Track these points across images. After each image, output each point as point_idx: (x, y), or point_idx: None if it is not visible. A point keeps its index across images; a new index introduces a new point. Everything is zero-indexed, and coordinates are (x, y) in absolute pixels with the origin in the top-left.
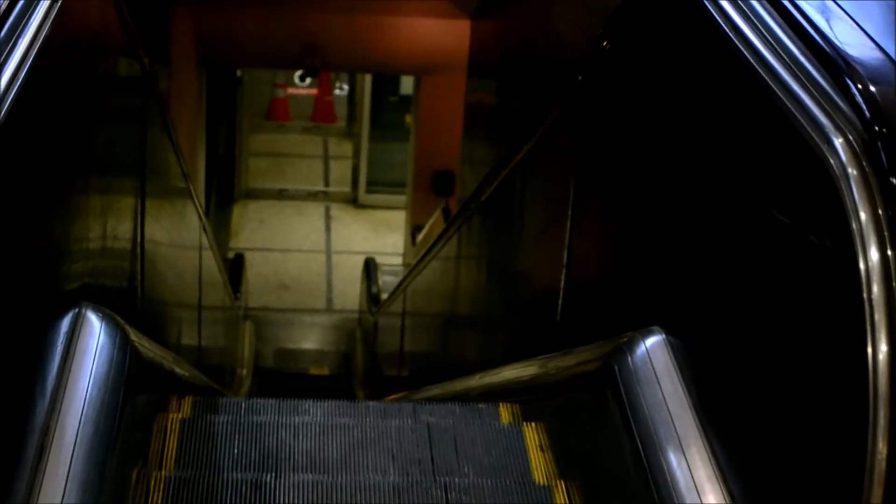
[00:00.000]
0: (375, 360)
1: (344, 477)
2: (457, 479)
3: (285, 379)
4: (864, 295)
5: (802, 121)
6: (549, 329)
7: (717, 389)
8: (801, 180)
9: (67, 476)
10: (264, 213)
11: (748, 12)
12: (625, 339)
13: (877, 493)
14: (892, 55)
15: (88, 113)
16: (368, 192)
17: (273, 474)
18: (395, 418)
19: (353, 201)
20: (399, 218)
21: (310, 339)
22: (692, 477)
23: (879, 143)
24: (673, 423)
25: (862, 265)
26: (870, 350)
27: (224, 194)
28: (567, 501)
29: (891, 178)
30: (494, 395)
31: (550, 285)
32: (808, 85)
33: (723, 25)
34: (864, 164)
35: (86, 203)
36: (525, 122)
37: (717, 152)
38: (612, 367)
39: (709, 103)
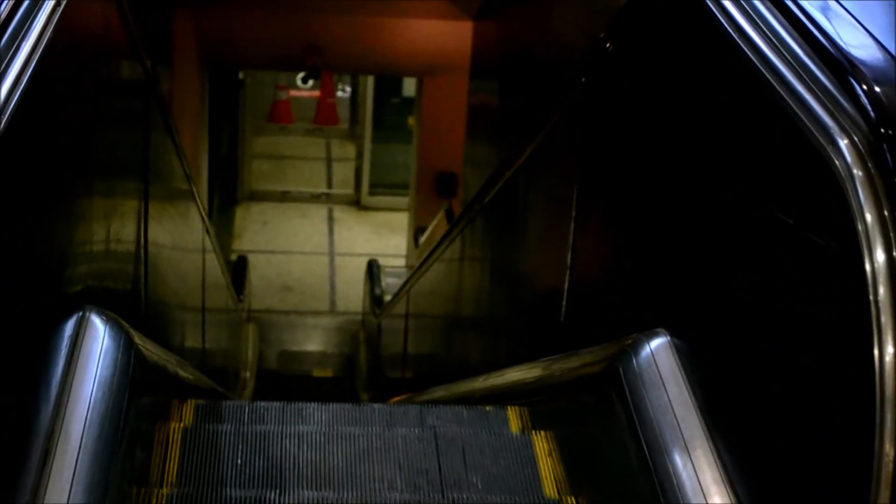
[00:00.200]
0: (379, 361)
1: (350, 493)
2: (465, 495)
3: (289, 381)
4: (870, 297)
5: (807, 122)
6: (553, 331)
7: (722, 392)
8: (806, 182)
9: (72, 480)
10: (267, 215)
11: (751, 13)
12: (629, 342)
13: (884, 495)
14: None
15: (91, 116)
16: (371, 193)
17: (277, 491)
18: (402, 425)
19: (356, 203)
20: (402, 220)
21: (313, 341)
22: (698, 480)
23: (884, 145)
24: (679, 426)
25: (868, 267)
26: (876, 352)
27: (227, 196)
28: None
29: None
30: (499, 397)
31: (554, 287)
32: (813, 86)
33: (726, 26)
34: (870, 165)
35: (89, 206)
36: (528, 123)
37: (721, 153)
38: (616, 369)
39: (712, 104)
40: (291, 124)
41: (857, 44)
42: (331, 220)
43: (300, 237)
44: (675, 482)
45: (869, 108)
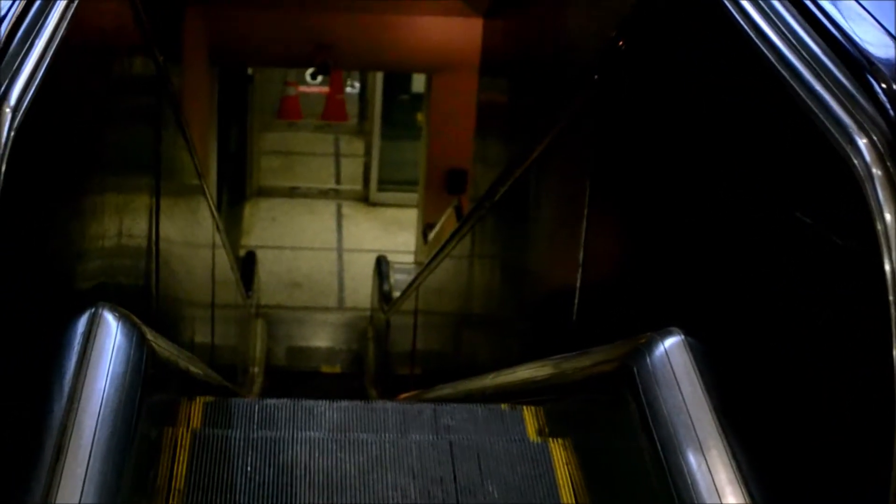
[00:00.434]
0: (387, 358)
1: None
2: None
3: (297, 377)
4: (890, 297)
5: (825, 120)
6: (565, 329)
7: (737, 392)
8: (824, 181)
9: (85, 476)
10: (276, 211)
11: (768, 11)
12: (643, 341)
13: None
14: None
15: (103, 112)
16: (380, 190)
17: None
18: (415, 422)
19: (365, 199)
20: (410, 216)
21: (321, 337)
22: (713, 480)
23: None
24: (693, 425)
25: (888, 267)
26: (895, 352)
27: (236, 192)
28: None
29: None
30: (509, 395)
31: (566, 285)
32: (830, 84)
33: (743, 24)
34: (889, 164)
35: (102, 202)
36: (539, 120)
37: (737, 151)
38: (630, 368)
39: (728, 102)
40: (300, 120)
41: (876, 42)
42: (339, 216)
43: (309, 233)
44: (689, 482)
45: (888, 106)
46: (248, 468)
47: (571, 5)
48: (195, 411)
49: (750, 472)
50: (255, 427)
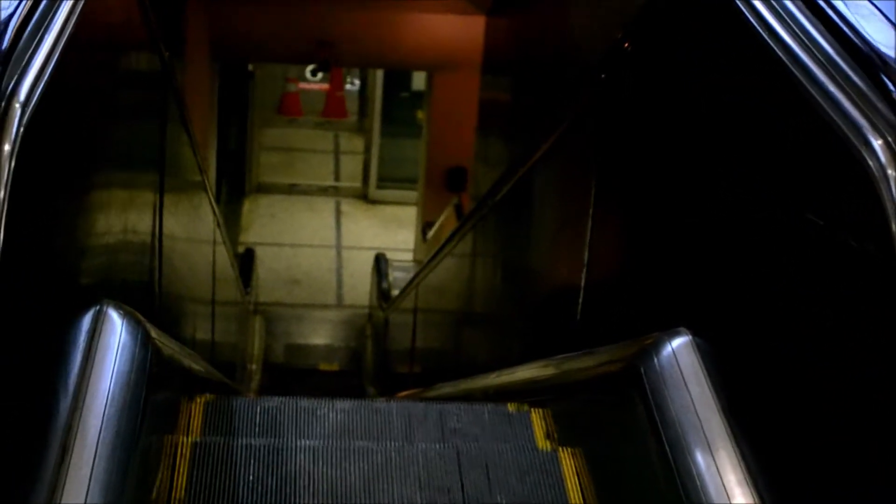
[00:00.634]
0: (386, 356)
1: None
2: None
3: (295, 374)
4: None
5: (839, 121)
6: (569, 329)
7: (746, 393)
8: (838, 182)
9: (90, 477)
10: (275, 207)
11: (780, 10)
12: (650, 341)
13: None
14: None
15: (109, 108)
16: (379, 187)
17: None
18: (421, 426)
19: (364, 197)
20: (409, 214)
21: (320, 334)
22: (722, 481)
23: None
24: (702, 426)
25: None
26: None
27: (235, 189)
28: None
29: None
30: (511, 394)
31: (570, 284)
32: (844, 84)
33: (755, 24)
34: None
35: (106, 198)
36: (543, 119)
37: (748, 152)
38: (637, 368)
39: (740, 103)
40: (300, 117)
41: (889, 41)
42: (338, 213)
43: (308, 230)
44: (698, 483)
45: None
46: (251, 477)
47: (578, 4)
48: (196, 412)
49: (759, 473)
50: (257, 432)
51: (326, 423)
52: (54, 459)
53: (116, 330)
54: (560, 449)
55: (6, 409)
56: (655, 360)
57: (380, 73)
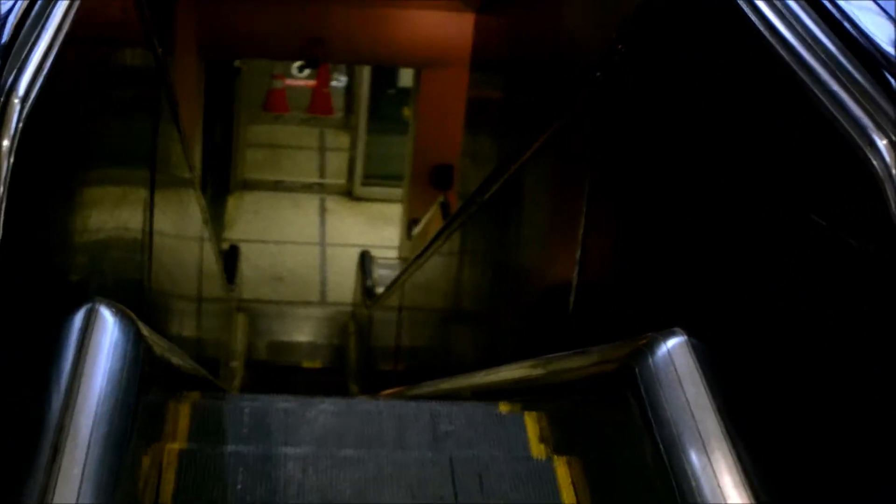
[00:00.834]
0: (370, 354)
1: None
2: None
3: (278, 371)
4: None
5: (842, 120)
6: (560, 328)
7: (742, 394)
8: (841, 182)
9: (82, 476)
10: (260, 204)
11: (782, 9)
12: (644, 341)
13: None
14: None
15: (104, 104)
16: (364, 184)
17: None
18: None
19: (349, 194)
20: (395, 211)
21: (303, 331)
22: (717, 483)
23: None
24: (697, 427)
25: None
26: None
27: (220, 185)
28: None
29: None
30: (500, 393)
31: (561, 283)
32: (847, 83)
33: (757, 22)
34: None
35: (99, 195)
36: (535, 116)
37: (748, 152)
38: (632, 368)
39: (742, 101)
40: (286, 113)
41: (892, 38)
42: (323, 210)
43: (292, 227)
44: (693, 484)
45: None
46: (238, 486)
47: (571, 2)
48: (183, 413)
49: (756, 475)
50: (245, 436)
51: (316, 426)
52: (46, 459)
53: (108, 328)
54: (554, 451)
55: None
56: (650, 360)
57: (367, 70)
